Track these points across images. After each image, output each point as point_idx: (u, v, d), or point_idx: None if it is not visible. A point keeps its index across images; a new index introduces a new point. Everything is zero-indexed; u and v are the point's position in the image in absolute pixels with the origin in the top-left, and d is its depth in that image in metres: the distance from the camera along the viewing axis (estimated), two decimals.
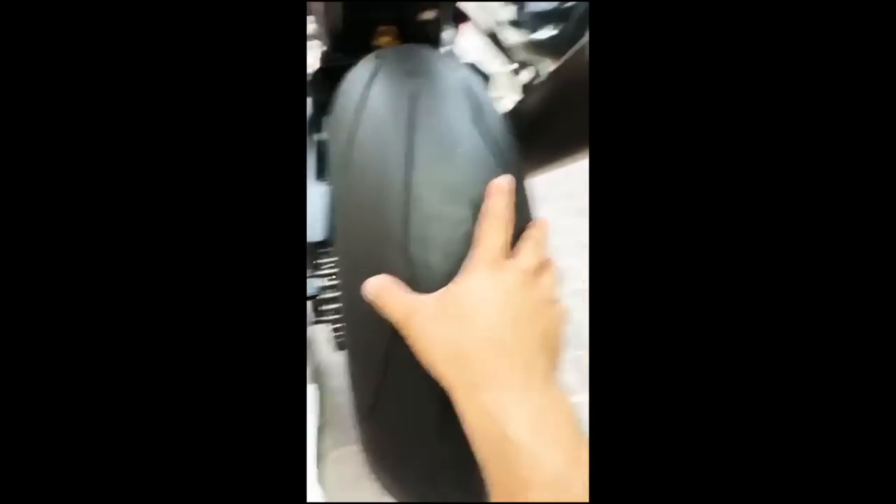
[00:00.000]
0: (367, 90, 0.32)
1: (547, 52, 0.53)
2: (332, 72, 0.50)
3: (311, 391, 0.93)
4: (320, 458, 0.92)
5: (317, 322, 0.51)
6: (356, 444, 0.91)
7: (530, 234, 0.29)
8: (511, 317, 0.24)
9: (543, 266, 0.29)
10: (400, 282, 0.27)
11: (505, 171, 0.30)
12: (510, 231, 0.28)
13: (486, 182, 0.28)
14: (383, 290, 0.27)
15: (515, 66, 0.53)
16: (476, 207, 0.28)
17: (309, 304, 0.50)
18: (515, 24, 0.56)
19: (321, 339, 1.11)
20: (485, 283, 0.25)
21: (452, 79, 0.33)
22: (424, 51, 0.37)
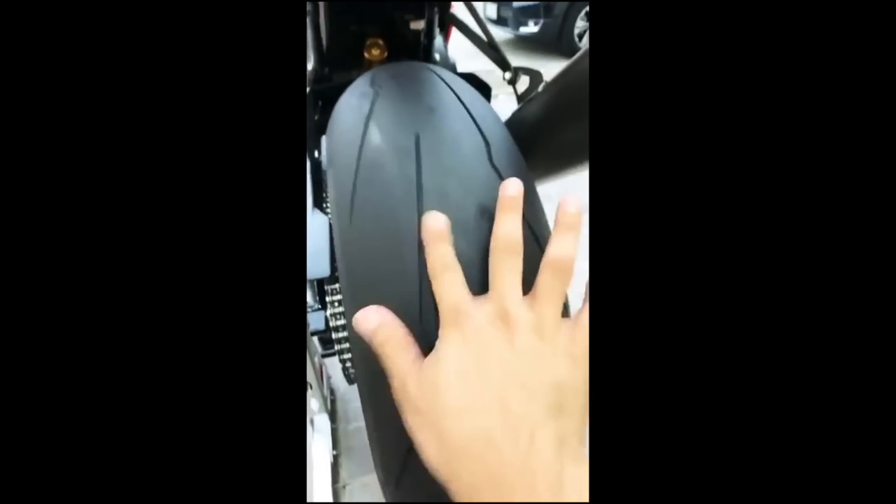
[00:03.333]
0: (366, 127, 0.29)
1: (532, 47, 0.51)
2: (324, 93, 0.49)
3: (323, 422, 0.90)
4: (337, 492, 0.89)
5: (325, 356, 0.49)
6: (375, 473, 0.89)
7: (548, 281, 0.23)
8: (510, 397, 0.20)
9: (558, 308, 0.23)
10: (401, 326, 0.23)
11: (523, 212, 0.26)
12: (521, 265, 0.23)
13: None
14: (389, 339, 0.22)
15: (510, 75, 0.50)
16: (485, 249, 0.24)
17: (315, 338, 0.48)
18: (499, 21, 0.53)
19: (333, 366, 1.09)
20: (459, 352, 0.20)
21: (455, 107, 0.30)
22: (422, 72, 0.34)
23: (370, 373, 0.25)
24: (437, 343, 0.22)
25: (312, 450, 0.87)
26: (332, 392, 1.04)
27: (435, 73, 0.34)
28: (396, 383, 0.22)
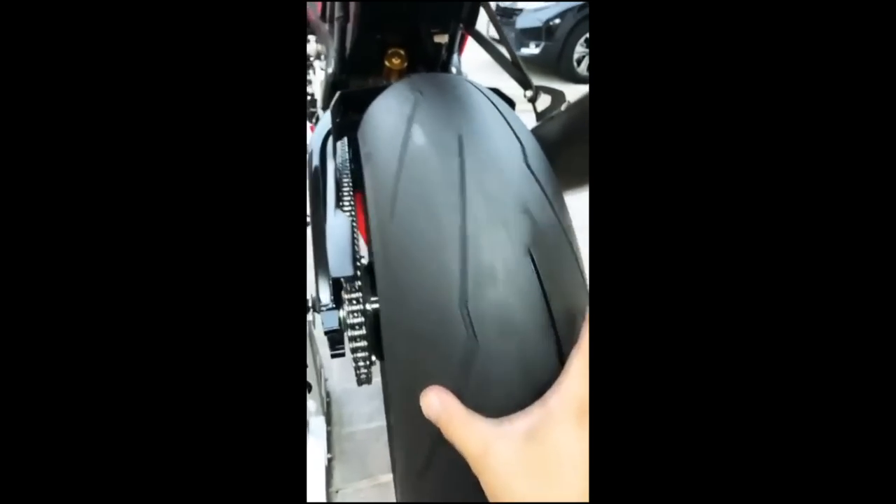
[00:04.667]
0: (409, 127, 0.30)
1: (531, 68, 0.53)
2: (353, 97, 0.50)
3: (319, 424, 0.90)
4: (330, 496, 0.88)
5: (334, 356, 0.50)
6: (369, 479, 0.88)
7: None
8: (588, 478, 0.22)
9: None
10: (459, 403, 0.25)
11: (555, 211, 0.28)
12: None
13: (540, 225, 0.27)
14: (453, 417, 0.25)
15: (531, 93, 0.52)
16: (525, 245, 0.26)
17: (326, 337, 0.49)
18: (500, 41, 0.56)
19: (329, 369, 1.09)
20: (576, 441, 0.22)
21: (492, 113, 0.32)
22: (459, 81, 0.35)
23: (408, 376, 0.27)
24: (552, 421, 0.23)
25: (307, 453, 0.87)
26: (327, 394, 1.04)
27: (471, 83, 0.36)
28: (476, 448, 0.24)
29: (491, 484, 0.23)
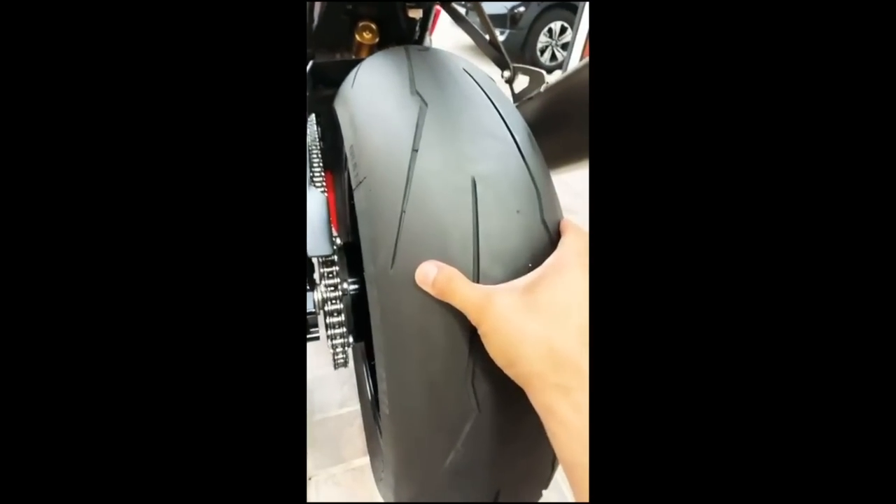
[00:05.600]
0: (415, 150, 0.29)
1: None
2: (323, 69, 0.49)
3: None
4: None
5: (309, 340, 0.48)
6: (343, 464, 0.88)
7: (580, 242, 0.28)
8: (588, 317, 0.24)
9: None
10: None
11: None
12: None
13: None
14: (453, 277, 0.25)
15: (508, 73, 0.52)
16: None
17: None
18: (480, 19, 0.56)
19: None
20: (580, 281, 0.24)
21: (498, 127, 0.31)
22: (460, 78, 0.34)
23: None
24: (555, 267, 0.25)
25: None
26: None
27: (471, 76, 0.35)
28: (478, 299, 0.25)
29: (492, 330, 0.24)
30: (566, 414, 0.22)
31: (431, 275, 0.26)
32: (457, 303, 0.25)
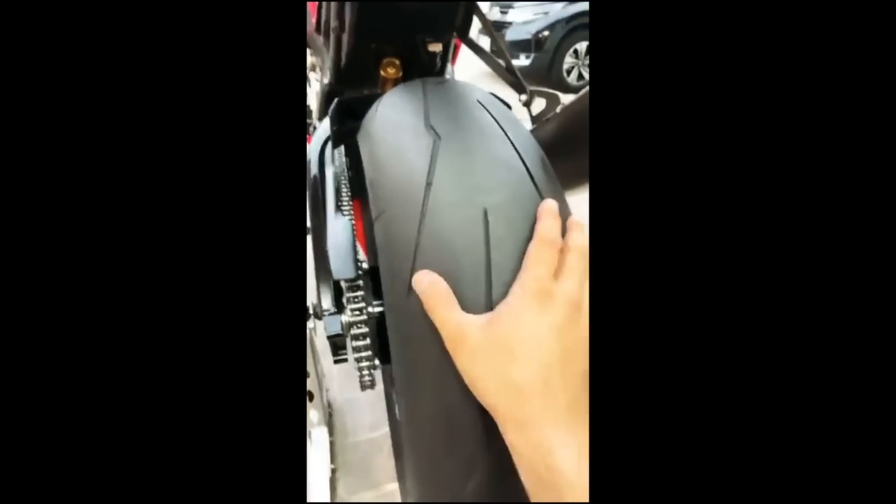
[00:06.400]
0: (429, 185, 0.29)
1: (524, 79, 0.55)
2: (350, 104, 0.51)
3: (321, 434, 0.90)
4: None
5: (336, 362, 0.49)
6: (374, 489, 0.87)
7: (574, 261, 0.28)
8: (559, 355, 0.24)
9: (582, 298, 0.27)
10: (447, 286, 0.27)
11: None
12: (557, 257, 0.27)
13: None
14: (438, 299, 0.26)
15: (525, 97, 0.53)
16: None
17: (329, 342, 0.48)
18: (496, 48, 0.58)
19: (330, 378, 1.09)
20: (536, 319, 0.25)
21: (507, 151, 0.32)
22: (476, 113, 0.35)
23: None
24: (514, 305, 0.25)
25: (310, 464, 0.86)
26: (329, 405, 1.04)
27: (485, 108, 0.36)
28: (451, 330, 0.26)
29: (462, 366, 0.25)
30: (522, 449, 0.23)
31: (421, 285, 0.27)
32: (437, 325, 0.26)
